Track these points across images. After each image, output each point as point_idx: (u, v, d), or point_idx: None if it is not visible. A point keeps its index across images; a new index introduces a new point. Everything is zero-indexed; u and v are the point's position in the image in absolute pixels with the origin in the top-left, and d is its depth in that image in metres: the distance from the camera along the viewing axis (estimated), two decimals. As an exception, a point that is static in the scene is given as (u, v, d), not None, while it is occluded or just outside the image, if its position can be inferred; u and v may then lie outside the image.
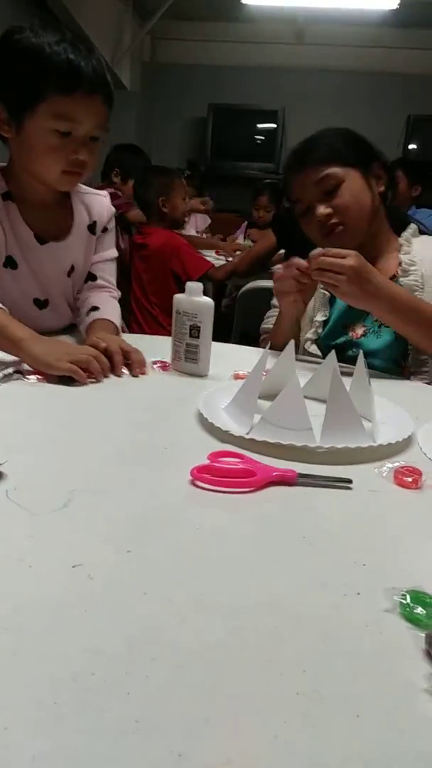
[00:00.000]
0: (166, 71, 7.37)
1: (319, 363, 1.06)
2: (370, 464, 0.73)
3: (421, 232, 1.30)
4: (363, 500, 0.66)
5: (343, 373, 0.80)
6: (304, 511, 0.62)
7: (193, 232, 3.39)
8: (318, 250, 1.07)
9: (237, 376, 1.04)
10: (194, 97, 7.29)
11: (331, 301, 1.30)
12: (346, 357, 1.22)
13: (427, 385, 1.14)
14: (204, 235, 3.10)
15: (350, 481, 0.67)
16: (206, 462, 0.68)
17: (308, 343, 1.29)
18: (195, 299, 1.05)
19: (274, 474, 0.67)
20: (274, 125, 7.23)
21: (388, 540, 0.58)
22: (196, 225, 3.53)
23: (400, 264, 1.21)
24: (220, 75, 7.25)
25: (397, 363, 1.19)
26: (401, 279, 1.19)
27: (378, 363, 1.19)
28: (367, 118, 7.10)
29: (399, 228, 1.28)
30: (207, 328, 1.04)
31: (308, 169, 1.20)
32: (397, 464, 0.72)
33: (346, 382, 0.82)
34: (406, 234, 1.26)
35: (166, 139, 7.48)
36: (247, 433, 0.76)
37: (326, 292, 1.30)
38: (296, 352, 1.32)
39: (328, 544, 0.56)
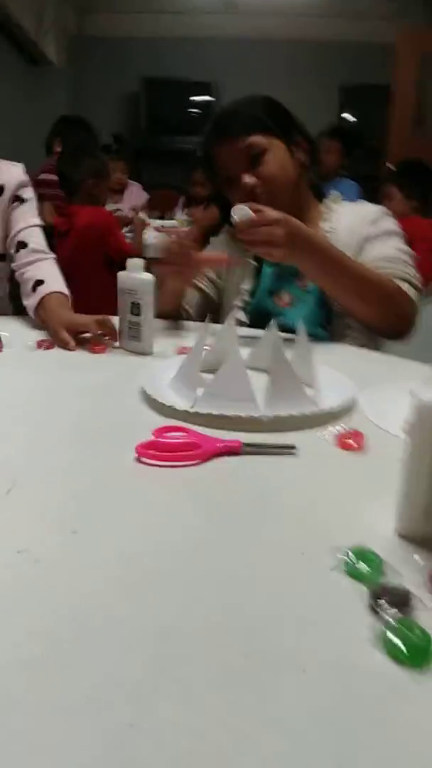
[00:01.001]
0: (94, 45, 7.15)
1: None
2: (315, 430, 0.74)
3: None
4: (308, 465, 0.67)
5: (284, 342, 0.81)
6: (250, 480, 0.63)
7: (127, 209, 3.32)
8: (244, 217, 1.01)
9: (181, 351, 1.04)
10: (125, 71, 7.11)
11: (258, 269, 1.30)
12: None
13: (360, 349, 1.16)
14: (140, 213, 3.04)
15: (294, 447, 0.68)
16: (151, 438, 0.68)
17: (235, 310, 1.30)
18: (135, 276, 1.04)
19: (219, 445, 0.68)
20: (209, 97, 7.14)
21: (332, 502, 0.59)
22: (131, 201, 3.46)
23: (321, 232, 1.23)
24: (152, 47, 7.08)
25: (323, 328, 1.21)
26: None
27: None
28: (301, 87, 7.11)
29: (321, 197, 1.30)
30: (148, 304, 1.03)
31: (231, 138, 1.19)
32: (339, 428, 0.73)
33: (287, 351, 0.84)
34: (327, 201, 1.28)
35: (98, 115, 7.26)
36: (192, 407, 0.76)
37: (253, 262, 1.31)
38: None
39: (274, 509, 0.57)
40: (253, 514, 0.56)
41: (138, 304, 1.02)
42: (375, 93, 6.15)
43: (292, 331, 1.24)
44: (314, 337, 1.18)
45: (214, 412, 0.74)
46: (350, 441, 0.70)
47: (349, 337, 1.20)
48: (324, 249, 1.06)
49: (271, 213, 1.01)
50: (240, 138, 1.19)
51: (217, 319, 1.36)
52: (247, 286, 1.31)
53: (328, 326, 1.21)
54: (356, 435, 0.71)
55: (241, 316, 1.30)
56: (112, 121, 7.38)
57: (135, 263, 1.04)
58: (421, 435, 0.51)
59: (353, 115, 7.07)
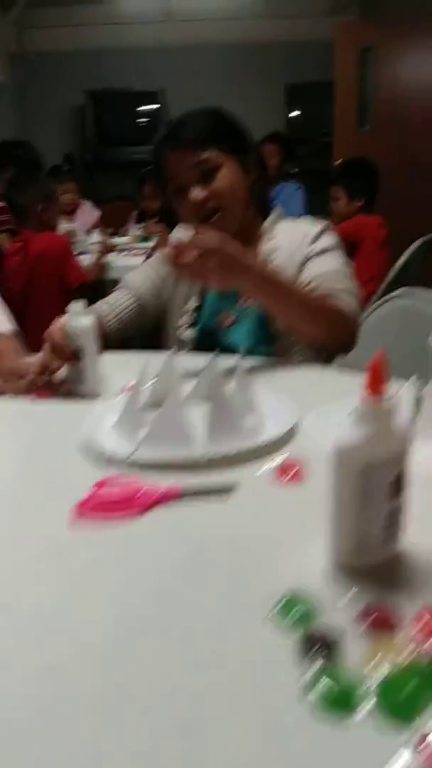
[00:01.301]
0: (36, 61, 7.08)
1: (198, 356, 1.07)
2: (255, 463, 0.75)
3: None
4: (246, 505, 0.67)
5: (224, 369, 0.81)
6: (188, 529, 0.63)
7: (81, 228, 3.29)
8: (180, 243, 0.99)
9: (127, 390, 1.04)
10: (70, 85, 7.06)
11: (203, 288, 1.31)
12: (218, 345, 1.23)
13: (307, 366, 1.16)
14: (94, 232, 3.02)
15: (231, 489, 0.69)
16: (91, 491, 0.68)
17: (180, 329, 1.30)
18: (74, 321, 1.03)
19: (159, 494, 0.68)
20: (157, 105, 7.13)
21: (269, 543, 0.60)
22: (83, 219, 3.43)
23: (262, 252, 1.24)
24: (94, 60, 7.05)
25: (268, 345, 1.22)
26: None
27: (248, 348, 1.22)
28: (247, 90, 7.15)
29: (267, 214, 1.31)
30: (90, 348, 1.02)
31: (186, 149, 1.18)
32: (278, 461, 0.74)
33: (228, 378, 0.85)
34: (268, 221, 1.28)
35: (45, 132, 7.21)
36: (131, 454, 0.76)
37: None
38: (164, 339, 1.34)
39: (210, 558, 0.58)
40: (189, 568, 0.57)
41: (80, 349, 1.02)
42: (320, 89, 6.21)
43: (237, 350, 1.26)
44: (259, 355, 1.19)
45: (154, 457, 0.74)
46: (289, 474, 0.71)
47: (296, 353, 1.22)
48: (261, 274, 1.06)
49: (207, 240, 1.00)
50: (194, 151, 1.18)
51: (161, 335, 1.35)
52: (192, 304, 1.31)
53: (274, 343, 1.22)
54: (295, 466, 0.72)
55: (188, 335, 1.30)
56: (59, 136, 7.33)
57: (75, 308, 1.03)
58: (344, 470, 0.52)
59: (301, 113, 7.14)
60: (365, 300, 2.50)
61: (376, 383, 0.50)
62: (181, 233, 1.32)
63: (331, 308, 1.11)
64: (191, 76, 7.08)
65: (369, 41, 4.88)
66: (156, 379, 0.94)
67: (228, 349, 1.25)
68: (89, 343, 1.02)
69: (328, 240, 1.24)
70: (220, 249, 1.00)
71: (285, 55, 6.97)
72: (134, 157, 7.02)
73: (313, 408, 0.88)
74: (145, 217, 3.52)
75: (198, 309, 1.31)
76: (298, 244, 1.22)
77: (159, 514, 0.66)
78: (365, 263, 2.61)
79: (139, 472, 0.73)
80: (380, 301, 1.56)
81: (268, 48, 7.02)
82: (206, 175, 1.18)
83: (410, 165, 4.56)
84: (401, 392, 0.79)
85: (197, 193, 1.18)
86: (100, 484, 0.70)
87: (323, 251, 1.21)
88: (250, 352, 1.21)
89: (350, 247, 2.66)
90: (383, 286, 2.49)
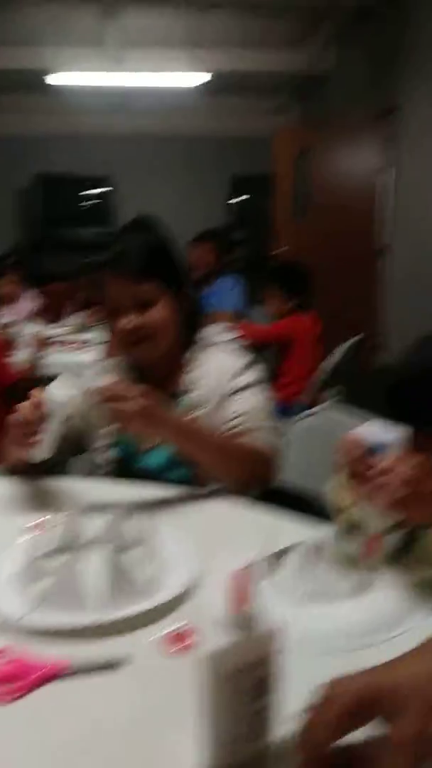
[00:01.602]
0: (-12, 144, 7.29)
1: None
2: (150, 628, 0.74)
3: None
4: (134, 681, 0.66)
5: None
6: (73, 709, 0.62)
7: (21, 318, 3.29)
8: (98, 389, 1.04)
9: (33, 529, 1.01)
10: (21, 169, 7.25)
11: None
12: (137, 468, 1.26)
13: (219, 500, 1.15)
14: (32, 323, 3.01)
15: (120, 663, 0.68)
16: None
17: (101, 448, 1.29)
18: (56, 391, 1.07)
19: (44, 670, 0.66)
20: (105, 190, 7.38)
21: (145, 730, 0.59)
22: (25, 309, 3.43)
23: (185, 381, 1.26)
24: (46, 145, 7.29)
25: (185, 473, 1.22)
26: (185, 396, 1.24)
27: (166, 475, 1.22)
28: (192, 180, 7.51)
29: (193, 343, 1.33)
30: (57, 420, 1.06)
31: (127, 278, 1.21)
32: (171, 628, 0.73)
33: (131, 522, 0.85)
34: (193, 351, 1.31)
35: (-6, 211, 7.37)
36: (19, 619, 0.74)
37: None
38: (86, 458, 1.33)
39: (85, 748, 0.56)
40: (70, 752, 0.55)
41: (50, 416, 1.05)
42: (263, 181, 6.58)
43: (155, 473, 1.26)
44: (178, 479, 1.20)
45: (43, 625, 0.73)
46: (177, 645, 0.70)
47: (214, 480, 1.22)
48: (179, 427, 1.10)
49: (127, 390, 1.05)
50: (133, 281, 1.21)
51: (81, 453, 1.34)
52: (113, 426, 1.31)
53: (191, 468, 1.22)
54: (184, 635, 0.71)
55: (108, 454, 1.30)
56: (10, 218, 7.48)
57: (63, 379, 1.09)
58: (212, 674, 0.53)
59: (245, 201, 7.51)
60: (297, 394, 2.58)
61: (241, 592, 0.51)
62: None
63: (250, 451, 1.14)
64: (139, 164, 7.40)
65: (306, 143, 5.23)
66: (60, 524, 0.93)
67: (146, 473, 1.27)
68: (59, 415, 1.05)
69: (252, 375, 1.27)
70: (142, 398, 1.04)
71: (230, 149, 7.38)
72: (80, 238, 7.20)
73: (217, 551, 0.88)
74: (84, 305, 3.57)
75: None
76: (222, 377, 1.25)
77: (43, 694, 0.64)
78: (300, 360, 2.71)
79: (29, 639, 0.72)
80: (307, 413, 1.62)
81: (214, 141, 7.42)
82: (141, 306, 1.21)
83: (341, 257, 4.81)
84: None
85: (130, 321, 1.21)
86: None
87: (246, 387, 1.24)
88: (168, 476, 1.22)
89: (285, 345, 2.76)
90: (316, 385, 2.57)
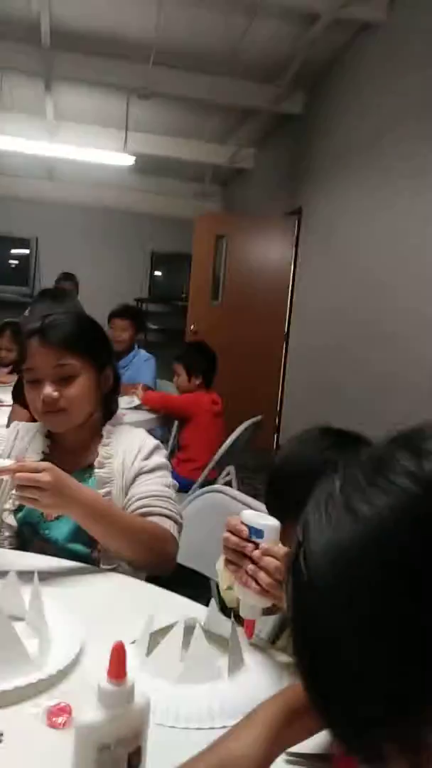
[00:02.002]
0: None
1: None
2: (33, 700, 0.78)
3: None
4: (14, 754, 0.69)
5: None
6: None
7: None
8: (7, 465, 1.08)
9: None
10: None
11: None
12: (39, 535, 1.28)
13: (113, 577, 1.19)
14: None
15: (0, 734, 0.72)
16: None
17: (5, 514, 1.30)
18: None
19: None
20: (28, 251, 7.44)
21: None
22: None
23: (101, 454, 1.31)
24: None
25: (87, 545, 1.25)
26: (96, 470, 1.29)
27: (68, 546, 1.25)
28: (114, 251, 7.73)
29: (108, 416, 1.39)
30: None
31: (52, 347, 1.26)
32: (52, 702, 0.77)
33: (25, 591, 0.89)
34: (108, 426, 1.36)
35: None
36: None
37: None
38: None
39: None
40: None
41: None
42: (181, 259, 6.88)
43: (56, 544, 1.29)
44: (75, 554, 1.23)
45: None
46: (58, 719, 0.75)
47: (109, 557, 1.24)
48: (90, 502, 1.13)
49: (40, 464, 1.09)
50: (58, 353, 1.26)
51: None
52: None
53: (92, 545, 1.25)
54: (63, 710, 0.76)
55: (11, 520, 1.31)
56: None
57: None
58: (82, 747, 0.58)
59: (163, 277, 7.79)
60: (194, 470, 2.68)
61: (117, 667, 0.58)
62: None
63: (157, 535, 1.18)
64: (64, 231, 7.55)
65: (223, 229, 5.57)
66: None
67: (48, 543, 1.29)
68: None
69: (159, 459, 1.33)
70: (51, 472, 1.07)
71: (151, 225, 7.70)
72: (1, 296, 7.16)
73: (101, 626, 0.93)
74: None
75: None
76: (129, 458, 1.31)
77: None
78: (198, 433, 2.85)
79: None
80: (198, 492, 1.70)
81: (137, 217, 7.73)
82: (63, 379, 1.27)
83: (250, 340, 5.09)
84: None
85: (50, 392, 1.25)
86: None
87: (154, 469, 1.30)
88: (70, 548, 1.24)
89: (185, 419, 2.91)
90: (214, 459, 2.68)
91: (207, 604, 0.99)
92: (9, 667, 0.81)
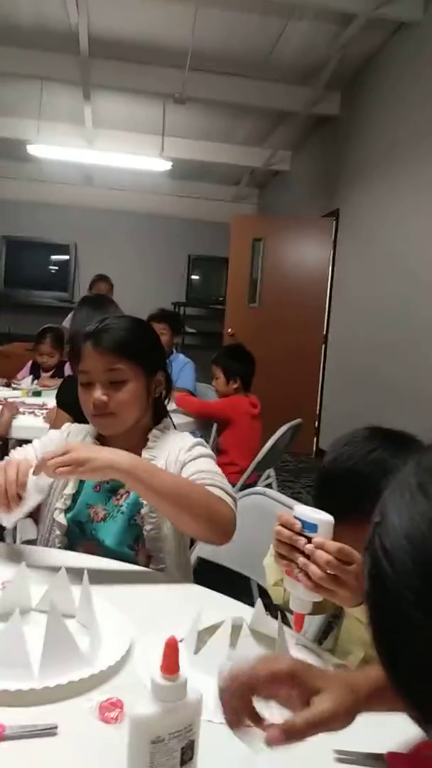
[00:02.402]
0: None
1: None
2: (85, 696, 0.80)
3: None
4: (67, 747, 0.71)
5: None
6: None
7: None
8: (47, 455, 1.10)
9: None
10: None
11: None
12: (87, 536, 1.31)
13: (157, 576, 1.21)
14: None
15: (55, 727, 0.74)
16: None
17: (56, 512, 1.33)
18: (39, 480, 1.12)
19: (-20, 735, 0.71)
20: (67, 257, 7.57)
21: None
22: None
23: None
24: (14, 209, 7.48)
25: (131, 548, 1.28)
26: None
27: (113, 546, 1.27)
28: (152, 255, 7.82)
29: (156, 421, 1.40)
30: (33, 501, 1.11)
31: (104, 352, 1.29)
32: (104, 698, 0.79)
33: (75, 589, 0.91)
34: (155, 431, 1.38)
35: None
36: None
37: None
38: (42, 521, 1.38)
39: None
40: None
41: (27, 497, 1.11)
42: (218, 263, 6.91)
43: (102, 545, 1.31)
44: (122, 557, 1.25)
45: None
46: (110, 714, 0.77)
47: (156, 560, 1.27)
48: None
49: (69, 445, 1.11)
50: (110, 358, 1.29)
51: (36, 513, 1.38)
52: (69, 491, 1.34)
53: (137, 546, 1.28)
54: (116, 705, 0.78)
55: (61, 519, 1.33)
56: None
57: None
58: (135, 740, 0.60)
59: (200, 281, 7.83)
60: (234, 474, 2.68)
61: (170, 663, 0.59)
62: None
63: (213, 499, 1.16)
64: (102, 236, 7.66)
65: (260, 232, 5.57)
66: (8, 587, 0.99)
67: (96, 544, 1.31)
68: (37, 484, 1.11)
69: (202, 449, 1.34)
70: (75, 447, 1.10)
71: (187, 229, 7.76)
72: (41, 300, 7.32)
73: (149, 625, 0.95)
74: (38, 370, 3.63)
75: (74, 496, 1.35)
76: (176, 453, 1.32)
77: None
78: (237, 437, 2.85)
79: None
80: (240, 494, 1.71)
81: (173, 221, 7.80)
82: (113, 383, 1.29)
83: (288, 343, 5.09)
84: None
85: (100, 395, 1.28)
86: None
87: (199, 456, 1.31)
88: (117, 550, 1.26)
89: (224, 423, 2.91)
90: (254, 462, 2.69)
91: (251, 605, 0.99)
92: (62, 662, 0.83)
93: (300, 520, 0.87)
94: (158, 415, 1.42)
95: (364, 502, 0.82)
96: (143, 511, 1.27)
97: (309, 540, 0.86)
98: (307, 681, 0.60)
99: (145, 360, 1.34)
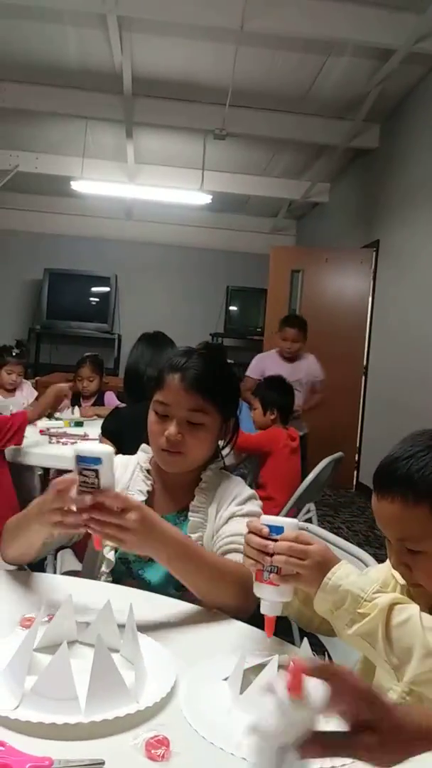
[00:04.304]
0: (3, 238, 7.71)
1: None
2: (131, 732, 0.79)
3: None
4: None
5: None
6: None
7: (21, 403, 3.41)
8: (86, 499, 1.04)
9: (24, 623, 1.06)
10: (31, 262, 7.64)
11: None
12: (132, 575, 1.29)
13: (202, 614, 1.17)
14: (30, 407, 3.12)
15: (102, 763, 0.73)
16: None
17: (106, 549, 1.30)
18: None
19: (27, 766, 0.71)
20: (107, 289, 7.74)
21: None
22: (22, 397, 3.57)
23: (196, 498, 1.31)
24: (56, 243, 7.72)
25: (178, 589, 1.24)
26: (190, 514, 1.29)
27: (158, 587, 1.25)
28: (191, 287, 7.93)
29: (212, 461, 1.38)
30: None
31: (191, 391, 1.26)
32: (150, 734, 0.78)
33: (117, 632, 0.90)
34: (208, 471, 1.35)
35: (3, 302, 7.69)
36: (14, 709, 0.79)
37: None
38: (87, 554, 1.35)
39: None
40: None
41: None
42: (258, 294, 6.96)
43: (148, 585, 1.30)
44: (168, 595, 1.23)
45: (32, 719, 0.78)
46: (156, 751, 0.75)
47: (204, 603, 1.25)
48: (177, 544, 1.11)
49: (129, 501, 1.06)
50: (196, 397, 1.26)
51: (77, 545, 1.37)
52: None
53: (184, 589, 1.22)
54: (162, 742, 0.77)
55: (111, 555, 1.30)
56: (17, 306, 7.78)
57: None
58: (261, 749, 0.58)
59: (238, 312, 7.89)
60: (278, 507, 2.65)
61: (297, 685, 0.59)
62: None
63: (242, 577, 1.11)
64: (142, 269, 7.82)
65: (299, 263, 5.60)
66: (54, 619, 0.99)
67: (140, 582, 1.29)
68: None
69: (253, 507, 1.32)
70: (141, 510, 1.06)
71: (226, 261, 7.85)
72: (81, 332, 7.47)
73: (193, 663, 0.94)
74: (78, 398, 3.69)
75: None
76: (227, 502, 1.31)
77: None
78: (276, 470, 2.82)
79: (13, 734, 0.76)
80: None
81: (212, 253, 7.91)
82: (192, 423, 1.27)
83: (327, 375, 5.04)
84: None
85: (176, 433, 1.26)
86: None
87: (247, 515, 1.28)
88: (164, 589, 1.24)
89: (263, 455, 2.88)
90: (294, 497, 2.65)
91: (292, 643, 0.97)
92: (109, 697, 0.82)
93: (267, 525, 0.95)
94: (214, 456, 1.39)
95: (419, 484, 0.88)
96: None
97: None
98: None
99: (225, 405, 1.33)
